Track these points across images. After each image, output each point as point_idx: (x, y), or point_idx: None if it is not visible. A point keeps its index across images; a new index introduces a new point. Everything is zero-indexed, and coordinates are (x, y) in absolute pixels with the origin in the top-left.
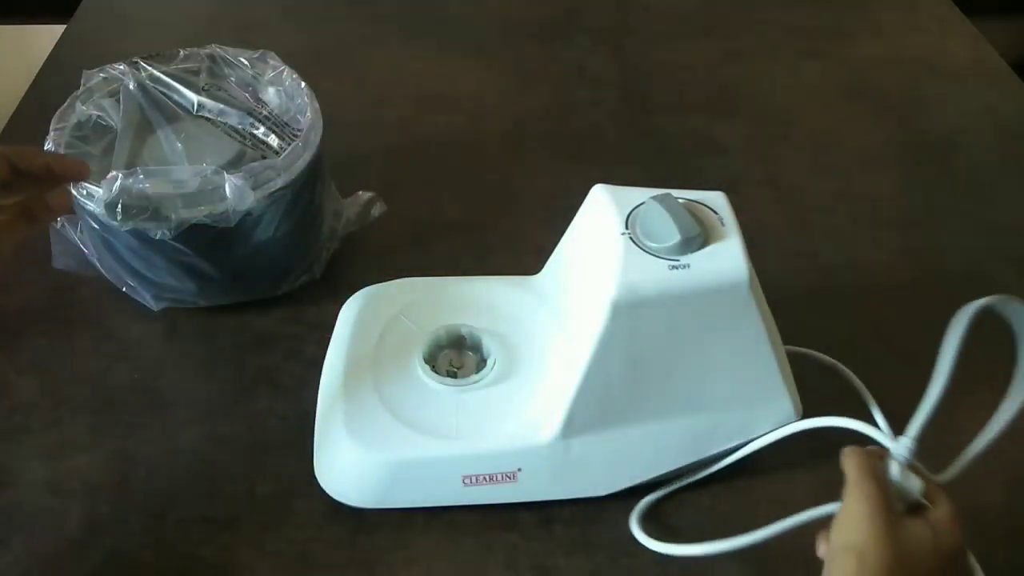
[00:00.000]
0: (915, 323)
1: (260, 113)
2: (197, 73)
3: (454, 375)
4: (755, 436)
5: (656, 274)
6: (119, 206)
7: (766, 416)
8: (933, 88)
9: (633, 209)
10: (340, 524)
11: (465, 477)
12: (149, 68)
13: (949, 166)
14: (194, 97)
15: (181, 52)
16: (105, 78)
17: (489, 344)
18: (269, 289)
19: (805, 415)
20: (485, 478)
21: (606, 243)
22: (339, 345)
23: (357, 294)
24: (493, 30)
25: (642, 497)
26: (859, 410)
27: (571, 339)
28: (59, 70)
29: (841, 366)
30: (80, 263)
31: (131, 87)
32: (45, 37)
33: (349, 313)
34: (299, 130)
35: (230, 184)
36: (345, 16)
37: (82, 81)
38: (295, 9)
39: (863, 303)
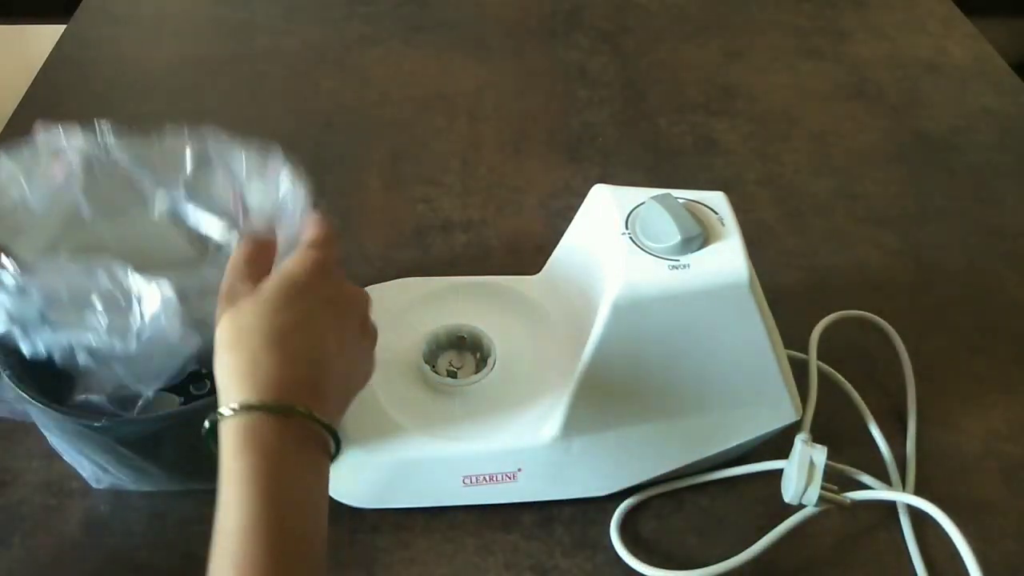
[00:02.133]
0: (914, 323)
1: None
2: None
3: (454, 375)
4: (755, 436)
5: (656, 274)
6: None
7: (766, 416)
8: (933, 88)
9: (633, 209)
10: (340, 524)
11: (465, 477)
12: (113, 145)
13: (949, 166)
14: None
15: (167, 134)
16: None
17: (489, 344)
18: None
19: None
20: (485, 478)
21: (606, 243)
22: None
23: None
24: (493, 30)
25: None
26: (853, 411)
27: (571, 339)
28: (59, 70)
29: (832, 371)
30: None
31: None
32: (45, 37)
33: None
34: None
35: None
36: (345, 16)
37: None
38: (295, 9)
39: (862, 303)
